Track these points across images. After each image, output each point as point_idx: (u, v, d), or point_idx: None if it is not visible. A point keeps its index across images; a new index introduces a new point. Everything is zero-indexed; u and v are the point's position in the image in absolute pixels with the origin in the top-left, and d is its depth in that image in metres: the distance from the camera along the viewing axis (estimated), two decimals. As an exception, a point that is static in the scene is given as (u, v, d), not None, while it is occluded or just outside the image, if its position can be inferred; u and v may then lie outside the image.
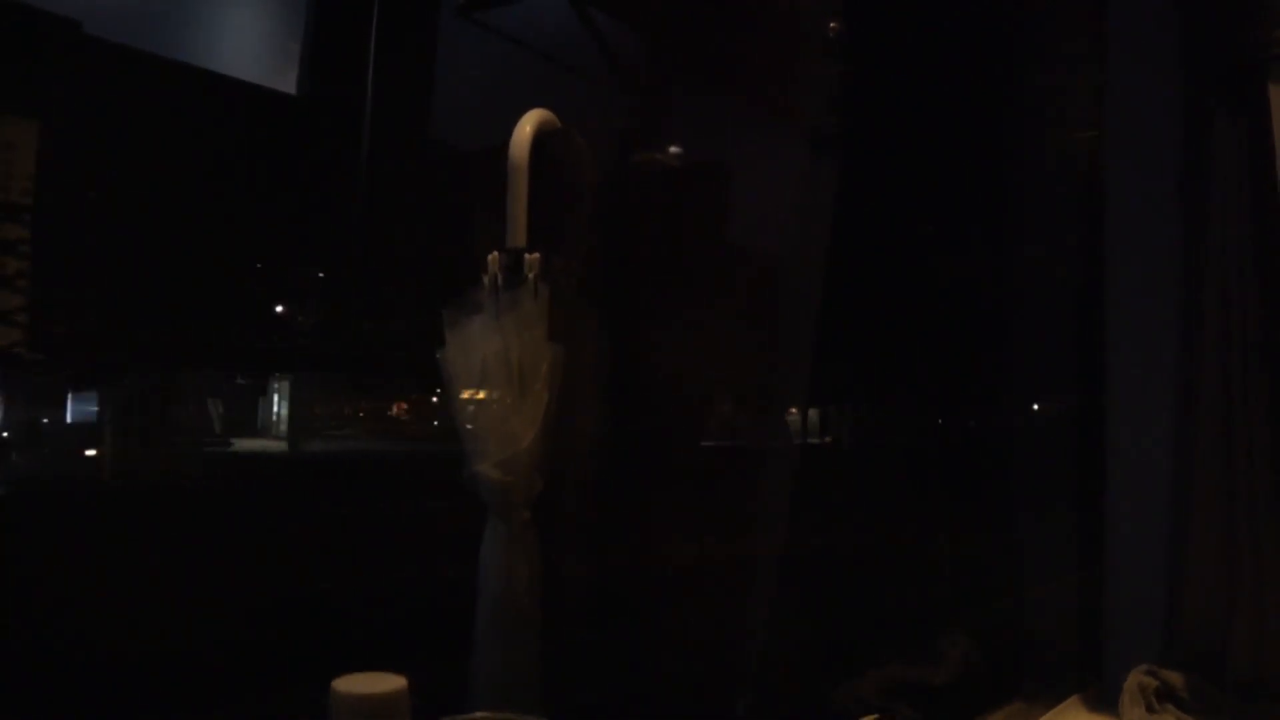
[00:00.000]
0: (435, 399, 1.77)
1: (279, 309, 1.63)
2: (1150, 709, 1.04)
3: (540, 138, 1.08)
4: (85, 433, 1.40)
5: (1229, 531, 1.04)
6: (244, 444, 1.71)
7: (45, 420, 1.38)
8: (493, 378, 0.97)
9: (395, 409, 1.99)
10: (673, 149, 1.84)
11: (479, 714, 0.72)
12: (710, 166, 1.80)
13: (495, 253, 1.04)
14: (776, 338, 1.49)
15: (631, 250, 1.46)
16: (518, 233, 1.04)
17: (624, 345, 1.32)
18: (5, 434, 1.32)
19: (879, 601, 1.55)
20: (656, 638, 1.35)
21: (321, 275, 1.68)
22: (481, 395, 0.97)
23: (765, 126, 1.81)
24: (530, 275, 1.02)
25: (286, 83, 1.69)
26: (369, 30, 1.71)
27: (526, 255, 1.03)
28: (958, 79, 1.58)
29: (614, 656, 1.24)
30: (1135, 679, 1.07)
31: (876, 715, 1.01)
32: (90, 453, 1.40)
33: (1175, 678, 1.07)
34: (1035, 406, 1.44)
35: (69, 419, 1.40)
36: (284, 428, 1.81)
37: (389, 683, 0.61)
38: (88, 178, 1.33)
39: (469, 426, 0.97)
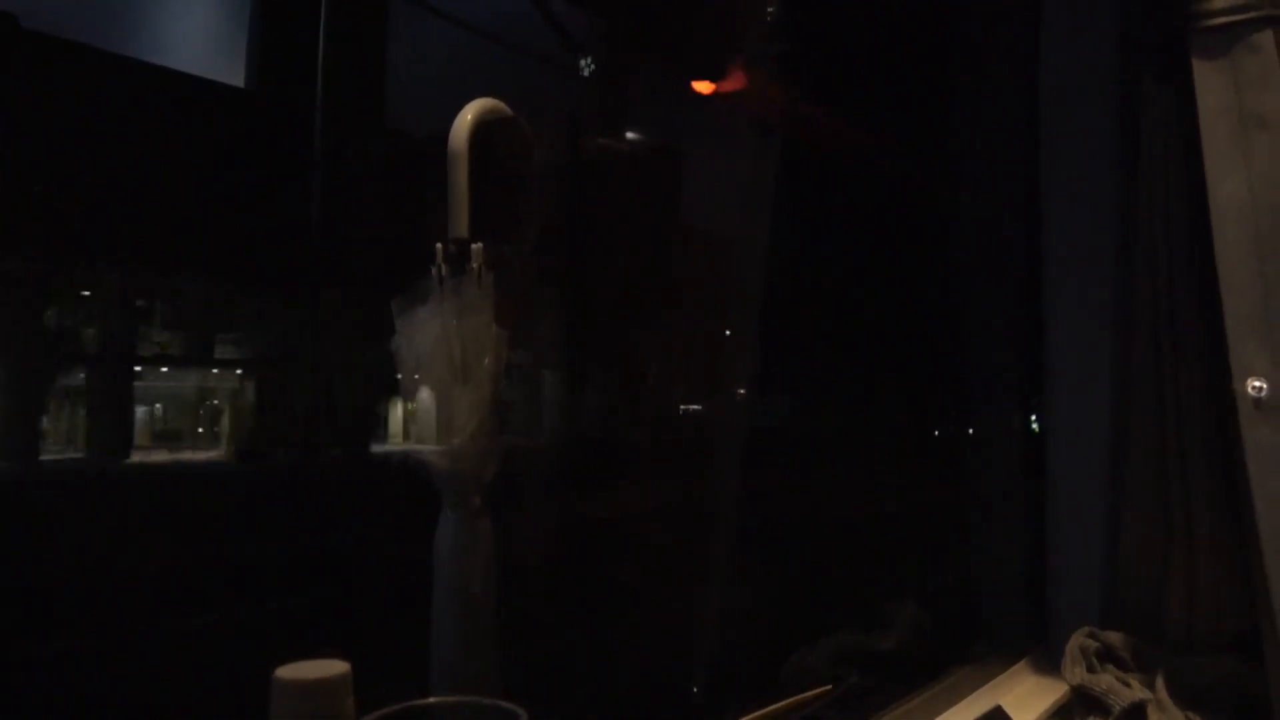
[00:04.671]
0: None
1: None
2: (1091, 669, 1.08)
3: (482, 126, 1.07)
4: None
5: (1162, 498, 1.07)
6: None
7: None
8: (436, 365, 0.98)
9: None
10: (629, 134, 1.84)
11: (433, 698, 0.74)
12: (662, 150, 1.80)
13: (440, 243, 1.04)
14: (722, 323, 1.51)
15: (582, 233, 1.46)
16: (460, 222, 1.04)
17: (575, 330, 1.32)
18: None
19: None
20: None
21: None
22: (426, 383, 0.98)
23: (711, 109, 1.81)
24: (475, 264, 1.03)
25: (234, 75, 1.67)
26: (317, 18, 1.69)
27: (471, 244, 1.03)
28: (896, 59, 1.59)
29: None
30: (1077, 641, 1.11)
31: (828, 686, 1.03)
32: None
33: (1115, 639, 1.10)
34: (976, 381, 1.46)
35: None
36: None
37: (332, 668, 0.61)
38: (30, 174, 1.31)
39: (415, 414, 0.98)
